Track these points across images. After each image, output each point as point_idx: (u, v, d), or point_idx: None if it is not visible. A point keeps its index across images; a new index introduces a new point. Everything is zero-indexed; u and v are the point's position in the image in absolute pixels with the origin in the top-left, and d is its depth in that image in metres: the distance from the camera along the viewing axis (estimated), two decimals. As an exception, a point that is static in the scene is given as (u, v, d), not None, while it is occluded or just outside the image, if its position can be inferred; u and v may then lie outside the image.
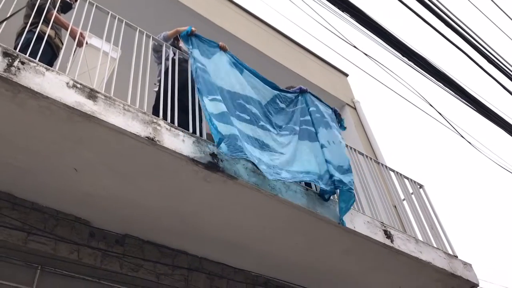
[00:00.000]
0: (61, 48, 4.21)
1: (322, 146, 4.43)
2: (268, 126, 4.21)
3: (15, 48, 3.75)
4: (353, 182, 4.40)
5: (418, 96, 5.07)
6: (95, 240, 3.94)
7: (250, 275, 4.72)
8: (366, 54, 4.74)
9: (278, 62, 7.68)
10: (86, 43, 4.23)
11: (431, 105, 5.00)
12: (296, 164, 4.09)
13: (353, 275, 4.92)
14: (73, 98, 3.24)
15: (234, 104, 4.05)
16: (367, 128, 7.84)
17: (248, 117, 4.06)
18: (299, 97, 4.90)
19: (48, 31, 3.96)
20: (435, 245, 5.30)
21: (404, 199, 5.88)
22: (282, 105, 4.63)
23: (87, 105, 3.28)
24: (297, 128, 4.48)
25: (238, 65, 4.54)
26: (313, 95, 5.16)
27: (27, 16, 4.22)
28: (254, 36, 7.65)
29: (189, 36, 4.48)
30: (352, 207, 4.69)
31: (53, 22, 4.19)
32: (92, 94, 3.37)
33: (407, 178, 6.05)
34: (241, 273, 4.67)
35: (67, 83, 3.29)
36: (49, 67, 3.30)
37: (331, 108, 5.33)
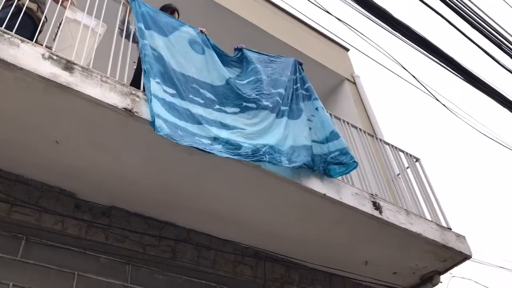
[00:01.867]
0: (44, 22, 4.21)
1: (310, 128, 4.43)
2: (226, 108, 4.10)
3: None
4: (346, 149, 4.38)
5: (393, 61, 4.96)
6: (80, 212, 4.00)
7: (239, 247, 4.76)
8: (338, 19, 4.65)
9: (275, 36, 7.59)
10: (73, 3, 4.24)
11: (404, 68, 4.90)
12: (265, 138, 4.04)
13: (343, 247, 4.93)
14: (49, 70, 3.26)
15: (188, 88, 3.98)
16: (366, 103, 7.75)
17: (202, 101, 3.99)
18: (269, 65, 4.78)
19: (28, 3, 3.96)
20: (429, 218, 5.28)
21: (398, 174, 5.85)
22: (250, 78, 4.51)
23: (63, 76, 3.30)
24: (272, 101, 4.40)
25: (201, 44, 4.44)
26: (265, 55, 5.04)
27: None
28: (251, 10, 7.56)
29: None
30: (340, 178, 4.69)
31: None
32: (68, 66, 3.39)
33: (403, 152, 6.01)
34: (230, 244, 4.70)
35: (43, 55, 3.31)
36: (24, 38, 3.32)
37: (295, 61, 5.15)
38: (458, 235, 5.28)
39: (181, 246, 4.37)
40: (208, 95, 4.09)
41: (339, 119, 5.60)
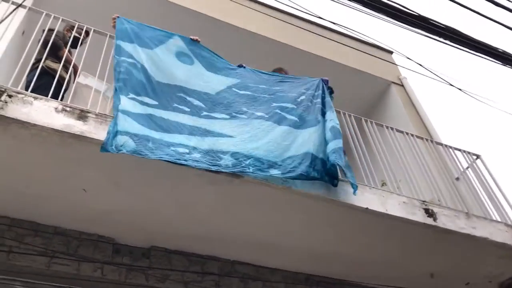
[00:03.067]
0: (65, 79, 4.35)
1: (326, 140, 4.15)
2: (215, 115, 3.97)
3: (27, 85, 3.91)
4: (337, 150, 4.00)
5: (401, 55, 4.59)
6: (120, 256, 4.03)
7: (288, 274, 4.56)
8: (334, 23, 4.39)
9: (313, 53, 7.43)
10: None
11: (408, 57, 4.50)
12: (254, 144, 3.82)
13: (401, 261, 4.57)
14: (62, 122, 3.34)
15: (172, 97, 3.92)
16: (417, 104, 7.30)
17: (188, 109, 3.90)
18: (276, 87, 4.61)
19: (50, 64, 4.16)
20: (497, 219, 4.79)
21: (457, 178, 5.40)
22: (244, 92, 4.36)
23: (77, 126, 3.37)
24: (269, 112, 4.21)
25: (188, 57, 4.39)
26: (293, 77, 4.90)
27: (39, 53, 4.39)
28: (284, 32, 7.44)
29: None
30: (384, 189, 4.39)
31: (61, 58, 4.37)
32: (82, 115, 3.45)
33: (460, 150, 5.55)
34: (278, 273, 4.52)
35: (56, 108, 3.40)
36: (38, 95, 3.43)
37: (320, 80, 4.85)
38: (535, 234, 4.72)
39: (226, 280, 4.25)
40: (196, 102, 4.00)
41: (381, 125, 5.30)
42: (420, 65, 4.36)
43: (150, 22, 4.88)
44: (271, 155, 3.78)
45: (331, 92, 4.79)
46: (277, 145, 3.89)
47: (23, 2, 3.76)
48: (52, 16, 4.12)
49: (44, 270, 3.69)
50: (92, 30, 4.34)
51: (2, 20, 3.63)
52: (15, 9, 3.73)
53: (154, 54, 4.14)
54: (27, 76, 4.24)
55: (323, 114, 4.39)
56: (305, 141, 4.02)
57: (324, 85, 4.75)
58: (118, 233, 4.11)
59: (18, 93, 3.37)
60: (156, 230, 4.14)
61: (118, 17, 4.30)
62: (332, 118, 4.30)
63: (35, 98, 3.40)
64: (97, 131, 3.41)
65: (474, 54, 3.70)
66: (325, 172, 3.87)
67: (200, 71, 4.31)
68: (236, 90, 4.34)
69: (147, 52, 4.10)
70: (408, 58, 4.40)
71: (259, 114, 4.15)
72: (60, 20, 4.16)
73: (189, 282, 4.10)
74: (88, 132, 3.37)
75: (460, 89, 4.57)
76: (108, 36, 4.34)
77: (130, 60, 3.92)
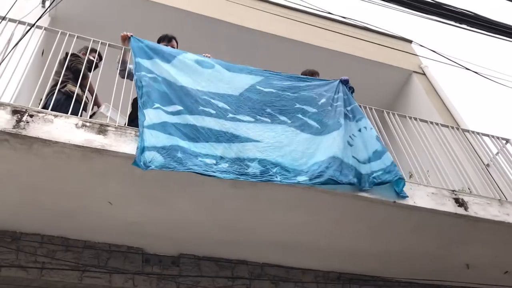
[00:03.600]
0: (85, 100, 4.41)
1: (351, 145, 4.11)
2: (240, 117, 3.94)
3: (46, 107, 3.96)
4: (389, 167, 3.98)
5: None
6: (149, 266, 4.06)
7: (319, 273, 4.51)
8: (345, 17, 4.31)
9: (327, 48, 7.35)
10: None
11: (421, 45, 4.39)
12: (280, 152, 3.78)
13: (431, 254, 4.47)
14: (82, 137, 3.37)
15: (198, 100, 3.90)
16: (440, 92, 7.15)
17: (214, 111, 3.87)
18: (299, 84, 4.55)
19: (70, 87, 4.31)
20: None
21: (487, 164, 5.26)
22: (269, 90, 4.31)
23: (97, 140, 3.40)
24: (291, 117, 4.15)
25: (207, 62, 4.37)
26: (315, 79, 4.83)
27: (58, 73, 4.44)
28: (298, 29, 7.40)
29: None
30: (411, 181, 4.30)
31: (84, 85, 4.45)
32: (102, 129, 3.49)
33: (488, 136, 5.41)
34: (309, 273, 4.48)
35: (76, 124, 3.44)
36: (58, 113, 3.49)
37: (339, 81, 4.76)
38: None
39: (257, 283, 4.24)
40: (221, 104, 3.97)
41: (404, 116, 5.20)
42: (434, 51, 4.27)
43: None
44: (296, 163, 3.75)
45: (352, 91, 4.73)
46: (302, 153, 3.86)
47: (35, 22, 3.82)
48: (68, 34, 4.18)
49: (77, 284, 3.74)
50: (107, 45, 4.38)
51: (18, 42, 3.70)
52: (28, 30, 3.80)
53: (173, 65, 4.14)
54: (46, 99, 4.25)
55: (348, 118, 4.34)
56: (329, 146, 3.97)
57: (345, 87, 4.68)
58: (147, 243, 4.15)
59: (39, 112, 3.43)
60: (184, 238, 4.15)
61: (132, 35, 4.35)
62: (371, 126, 4.28)
63: (55, 116, 3.45)
64: (118, 144, 3.44)
65: (493, 36, 3.59)
66: (352, 175, 3.83)
67: (222, 73, 4.28)
68: (261, 88, 4.30)
69: (166, 65, 4.10)
70: (421, 45, 4.30)
71: (282, 118, 4.11)
72: (75, 37, 4.20)
73: (220, 287, 4.10)
74: (108, 145, 3.40)
75: (476, 72, 4.44)
76: (122, 50, 4.42)
77: (150, 75, 3.94)
